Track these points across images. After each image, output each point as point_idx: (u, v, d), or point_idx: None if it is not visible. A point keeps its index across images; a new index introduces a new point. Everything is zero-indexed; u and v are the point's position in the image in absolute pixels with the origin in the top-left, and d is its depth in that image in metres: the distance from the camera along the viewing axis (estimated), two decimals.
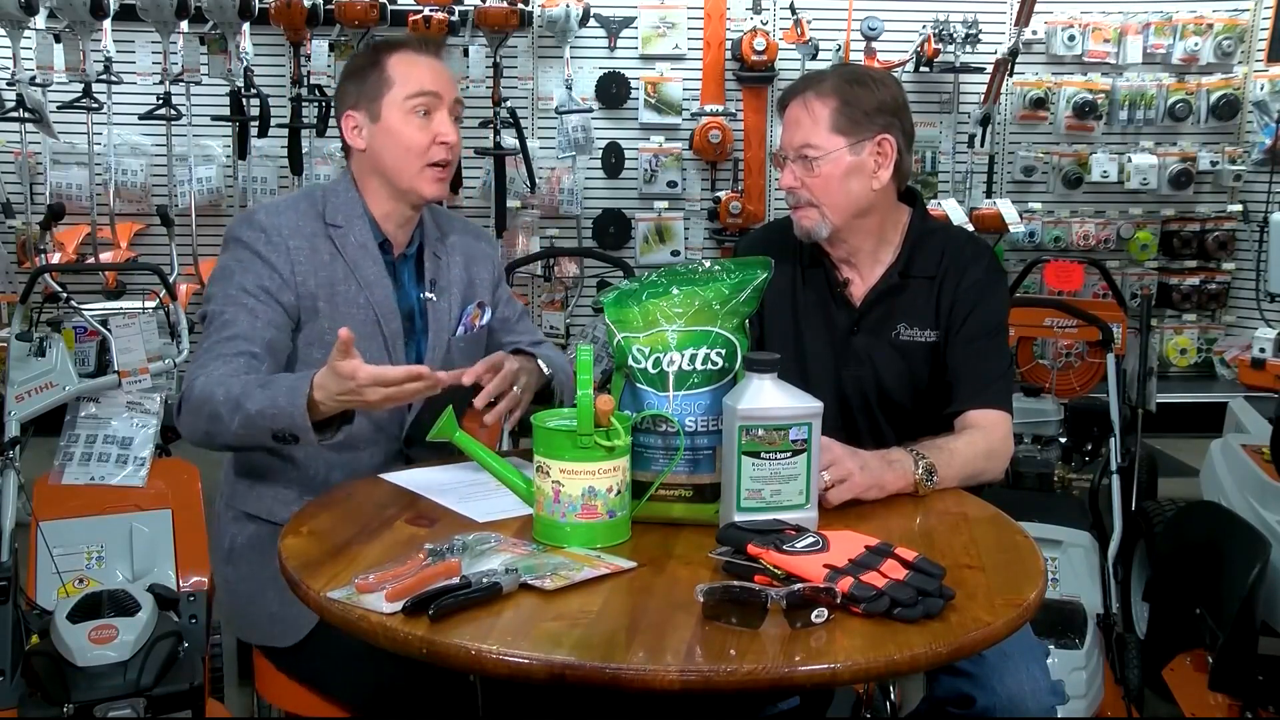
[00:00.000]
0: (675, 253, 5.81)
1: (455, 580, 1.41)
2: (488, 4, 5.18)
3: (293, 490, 2.01)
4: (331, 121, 4.98)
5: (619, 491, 1.59)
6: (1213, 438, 3.75)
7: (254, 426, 1.81)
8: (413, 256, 2.14)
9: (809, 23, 5.53)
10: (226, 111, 5.29)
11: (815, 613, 1.35)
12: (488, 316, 2.20)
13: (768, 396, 1.62)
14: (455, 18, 5.27)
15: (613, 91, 5.72)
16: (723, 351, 1.69)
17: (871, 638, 1.33)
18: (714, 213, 5.70)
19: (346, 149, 2.12)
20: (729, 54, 5.72)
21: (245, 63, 5.17)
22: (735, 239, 5.60)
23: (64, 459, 3.16)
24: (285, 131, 5.25)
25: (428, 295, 2.12)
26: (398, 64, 2.05)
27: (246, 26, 5.14)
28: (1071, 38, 5.81)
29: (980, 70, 5.63)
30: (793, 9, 5.53)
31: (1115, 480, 3.31)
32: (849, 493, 1.77)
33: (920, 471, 1.85)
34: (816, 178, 2.05)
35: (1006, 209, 5.20)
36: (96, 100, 5.10)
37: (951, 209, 4.91)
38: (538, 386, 2.10)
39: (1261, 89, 5.74)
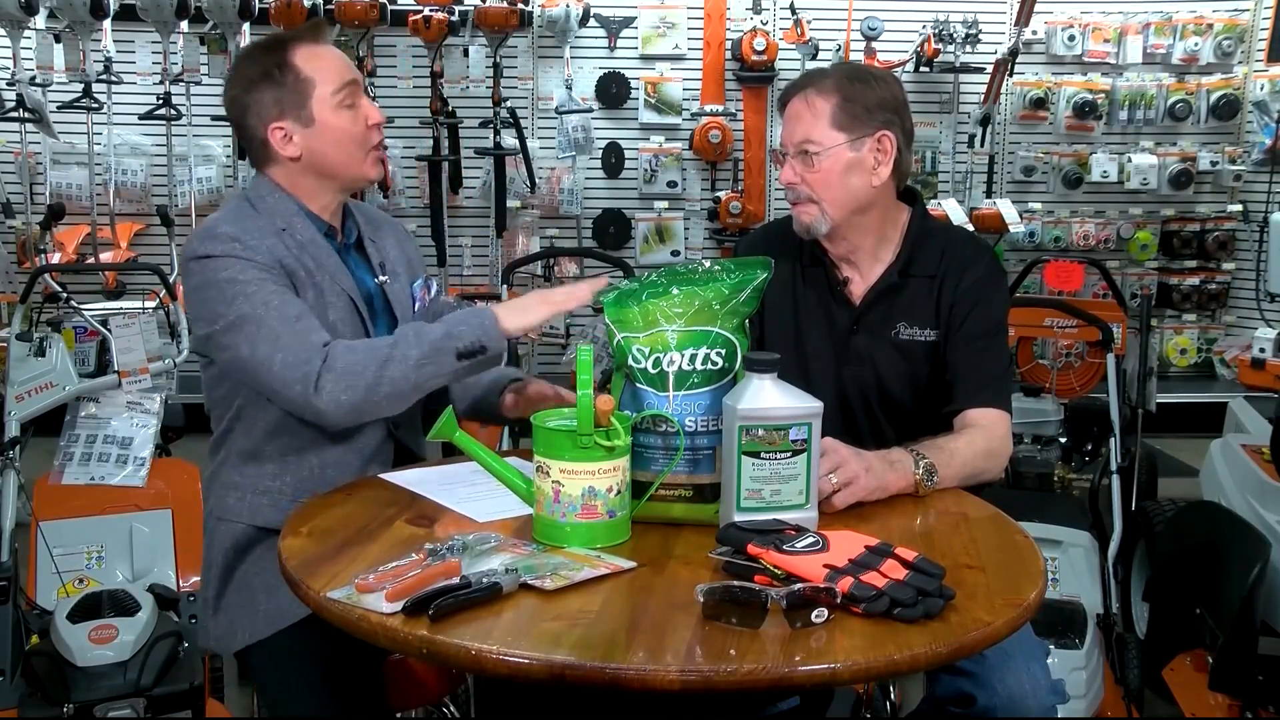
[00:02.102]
0: (675, 253, 5.81)
1: (455, 580, 1.41)
2: (488, 4, 5.18)
3: (285, 498, 1.97)
4: None
5: (619, 491, 1.59)
6: (1213, 438, 3.75)
7: (440, 351, 1.85)
8: (353, 245, 2.15)
9: (809, 23, 5.53)
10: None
11: (815, 613, 1.35)
12: (434, 289, 2.22)
13: (768, 396, 1.62)
14: (455, 18, 5.27)
15: (613, 91, 5.71)
16: (723, 351, 1.68)
17: (871, 638, 1.33)
18: (714, 213, 5.70)
19: (259, 159, 2.06)
20: (729, 54, 5.72)
21: None
22: (735, 239, 5.60)
23: (64, 459, 3.16)
24: None
25: (383, 279, 2.13)
26: (308, 61, 2.01)
27: (246, 26, 5.14)
28: (1071, 38, 5.81)
29: (980, 70, 5.63)
30: (793, 9, 5.53)
31: (1115, 480, 3.31)
32: (854, 496, 1.76)
33: (921, 471, 1.85)
34: (816, 173, 2.05)
35: (1006, 209, 5.20)
36: (96, 100, 5.11)
37: (951, 209, 4.91)
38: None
39: (1261, 89, 5.74)
